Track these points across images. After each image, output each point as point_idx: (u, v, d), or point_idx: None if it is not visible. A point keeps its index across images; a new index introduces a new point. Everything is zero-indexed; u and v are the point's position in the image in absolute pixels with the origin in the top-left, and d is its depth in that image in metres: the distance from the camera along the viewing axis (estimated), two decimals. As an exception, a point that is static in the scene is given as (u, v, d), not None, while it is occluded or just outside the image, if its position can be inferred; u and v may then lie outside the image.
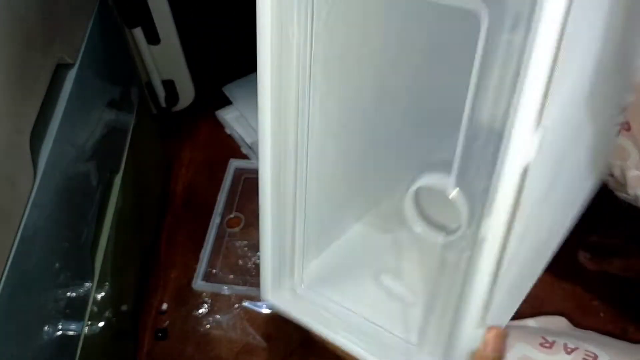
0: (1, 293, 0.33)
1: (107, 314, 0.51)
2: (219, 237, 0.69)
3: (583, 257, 0.58)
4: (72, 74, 0.45)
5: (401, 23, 0.31)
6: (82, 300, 0.47)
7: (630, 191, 0.44)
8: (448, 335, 0.29)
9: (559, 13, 0.21)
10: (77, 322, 0.45)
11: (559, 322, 0.56)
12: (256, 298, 0.64)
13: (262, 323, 0.62)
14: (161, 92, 0.73)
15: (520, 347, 0.48)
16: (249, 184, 0.74)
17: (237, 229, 0.70)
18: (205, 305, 0.64)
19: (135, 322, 0.62)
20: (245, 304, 0.63)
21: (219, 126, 0.79)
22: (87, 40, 0.48)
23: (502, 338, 0.31)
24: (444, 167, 0.31)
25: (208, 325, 0.63)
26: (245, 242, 0.69)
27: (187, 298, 0.65)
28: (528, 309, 0.59)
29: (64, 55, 0.44)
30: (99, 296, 0.49)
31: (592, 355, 0.46)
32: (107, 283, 0.51)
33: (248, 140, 0.77)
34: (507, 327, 0.31)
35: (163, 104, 0.74)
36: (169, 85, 0.73)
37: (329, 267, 0.36)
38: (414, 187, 0.35)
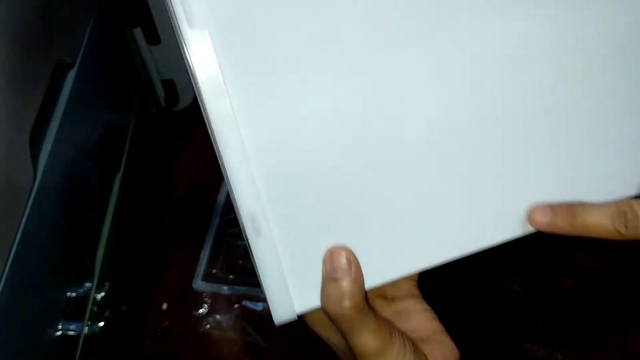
0: (1, 293, 0.33)
1: (107, 314, 0.51)
2: (219, 237, 0.69)
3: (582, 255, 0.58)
4: (72, 74, 0.45)
5: None
6: (82, 300, 0.47)
7: None
8: None
9: None
10: (77, 322, 0.45)
11: None
12: (256, 298, 0.64)
13: (262, 323, 0.62)
14: (161, 92, 0.73)
15: None
16: (249, 184, 0.74)
17: (237, 229, 0.70)
18: (205, 305, 0.64)
19: (135, 322, 0.62)
20: (245, 303, 0.63)
21: (219, 126, 0.79)
22: (87, 40, 0.48)
23: (340, 257, 0.27)
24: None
25: (208, 325, 0.63)
26: (245, 242, 0.69)
27: (187, 298, 0.65)
28: (524, 306, 0.59)
29: (64, 55, 0.44)
30: (99, 296, 0.49)
31: None
32: (107, 283, 0.51)
33: (248, 140, 0.77)
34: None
35: (163, 104, 0.74)
36: (169, 85, 0.73)
37: None
38: None
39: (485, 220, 0.29)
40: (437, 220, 0.29)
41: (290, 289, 0.28)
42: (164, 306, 0.64)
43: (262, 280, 0.28)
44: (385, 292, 0.33)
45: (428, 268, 0.29)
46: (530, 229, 0.30)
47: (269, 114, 0.27)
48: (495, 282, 0.59)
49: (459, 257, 0.29)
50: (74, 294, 0.45)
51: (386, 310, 0.33)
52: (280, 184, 0.27)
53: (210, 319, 0.63)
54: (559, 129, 0.29)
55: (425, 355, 0.31)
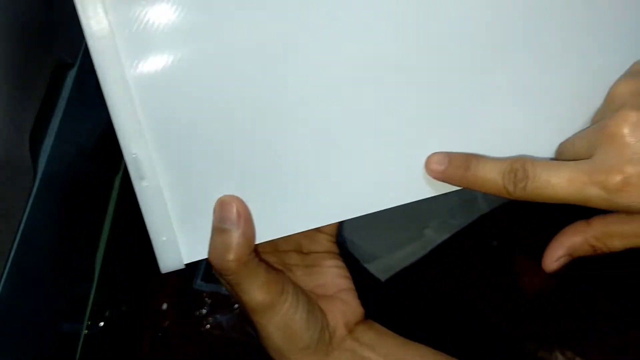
0: (1, 293, 0.33)
1: (107, 314, 0.51)
2: (219, 237, 0.69)
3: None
4: (72, 74, 0.45)
5: None
6: (82, 300, 0.47)
7: None
8: None
9: None
10: (77, 322, 0.45)
11: None
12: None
13: (262, 323, 0.62)
14: (161, 92, 0.72)
15: None
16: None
17: (237, 229, 0.70)
18: (205, 305, 0.64)
19: (135, 322, 0.62)
20: (245, 304, 0.63)
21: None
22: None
23: (229, 207, 0.26)
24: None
25: (208, 325, 0.63)
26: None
27: (187, 298, 0.64)
28: (524, 305, 0.59)
29: (64, 55, 0.44)
30: (99, 296, 0.49)
31: None
32: (107, 283, 0.51)
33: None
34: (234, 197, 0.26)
35: (163, 104, 0.74)
36: (169, 85, 0.73)
37: None
38: None
39: (390, 178, 0.27)
40: (336, 176, 0.27)
41: (178, 238, 0.27)
42: (164, 306, 0.64)
43: (147, 227, 0.27)
44: (301, 247, 0.33)
45: (325, 225, 0.28)
46: (443, 189, 0.28)
47: (156, 51, 0.24)
48: (495, 282, 0.59)
49: (358, 215, 0.27)
50: (74, 294, 0.45)
51: (300, 265, 0.32)
52: (167, 126, 0.25)
53: (210, 319, 0.63)
54: (476, 82, 0.27)
55: (322, 312, 0.30)
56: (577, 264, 0.59)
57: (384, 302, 0.58)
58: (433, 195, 0.28)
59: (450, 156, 0.27)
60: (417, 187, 0.27)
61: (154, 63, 0.25)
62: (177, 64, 0.25)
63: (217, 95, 0.25)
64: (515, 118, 0.28)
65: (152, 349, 0.61)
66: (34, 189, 0.38)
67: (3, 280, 0.34)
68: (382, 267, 0.64)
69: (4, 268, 0.34)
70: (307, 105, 0.26)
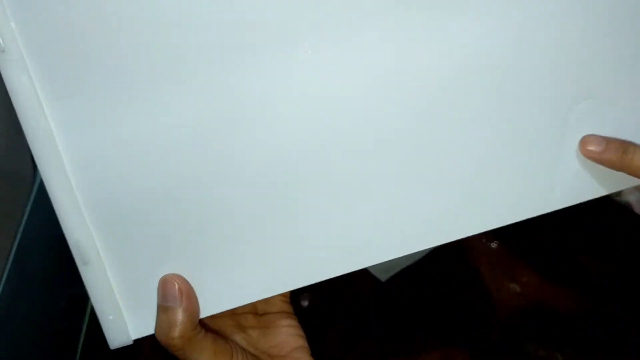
0: (2, 292, 0.33)
1: (107, 313, 0.51)
2: (219, 237, 0.69)
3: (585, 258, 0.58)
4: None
5: None
6: (83, 299, 0.47)
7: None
8: None
9: None
10: (77, 322, 0.45)
11: None
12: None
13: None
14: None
15: None
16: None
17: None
18: (206, 305, 0.64)
19: (135, 322, 0.62)
20: (245, 304, 0.63)
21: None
22: (87, 40, 0.48)
23: (171, 285, 0.27)
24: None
25: (208, 325, 0.62)
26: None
27: (187, 298, 0.64)
28: (524, 306, 0.59)
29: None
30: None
31: None
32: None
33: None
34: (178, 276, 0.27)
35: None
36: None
37: None
38: None
39: (320, 254, 0.28)
40: (273, 251, 0.28)
41: (125, 316, 0.28)
42: (164, 306, 0.64)
43: (94, 306, 0.28)
44: (256, 308, 0.34)
45: (267, 296, 0.29)
46: (363, 264, 0.29)
47: (92, 140, 0.26)
48: (495, 282, 0.59)
49: (296, 287, 0.29)
50: (74, 294, 0.45)
51: (255, 327, 0.33)
52: (107, 211, 0.27)
53: (210, 319, 0.63)
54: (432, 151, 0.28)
55: None
56: (577, 265, 0.59)
57: (384, 302, 0.58)
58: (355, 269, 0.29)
59: (606, 140, 0.28)
60: (352, 258, 0.28)
61: (91, 156, 0.26)
62: (111, 156, 0.26)
63: (152, 180, 0.26)
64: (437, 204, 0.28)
65: (152, 349, 0.61)
66: (34, 191, 0.38)
67: (3, 280, 0.34)
68: (382, 267, 0.64)
69: (4, 268, 0.34)
70: (239, 186, 0.27)
